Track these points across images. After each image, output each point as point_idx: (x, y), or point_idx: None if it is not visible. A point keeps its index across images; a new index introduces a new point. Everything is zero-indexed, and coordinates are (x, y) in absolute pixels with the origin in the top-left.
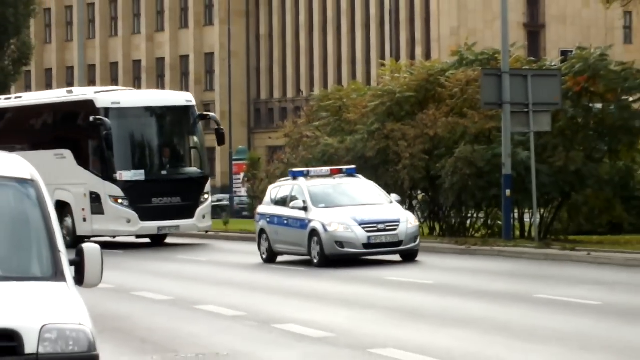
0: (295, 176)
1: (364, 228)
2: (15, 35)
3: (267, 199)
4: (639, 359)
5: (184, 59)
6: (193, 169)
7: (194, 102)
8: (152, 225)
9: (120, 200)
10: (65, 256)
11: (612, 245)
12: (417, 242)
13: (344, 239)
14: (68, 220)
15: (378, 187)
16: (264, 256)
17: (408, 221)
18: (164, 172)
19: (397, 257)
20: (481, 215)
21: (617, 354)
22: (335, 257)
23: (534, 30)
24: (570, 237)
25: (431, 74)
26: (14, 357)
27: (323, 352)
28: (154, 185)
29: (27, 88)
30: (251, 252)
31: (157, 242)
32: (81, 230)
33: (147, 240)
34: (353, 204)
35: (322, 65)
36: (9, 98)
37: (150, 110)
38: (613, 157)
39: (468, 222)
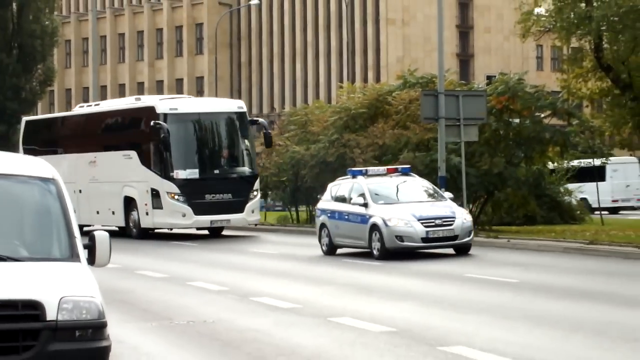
0: (354, 175)
1: (422, 223)
2: (41, 61)
3: (326, 195)
4: (550, 324)
5: (179, 81)
6: (244, 169)
7: (245, 109)
8: (205, 219)
9: (176, 197)
10: (79, 241)
11: (527, 234)
12: (471, 237)
13: (403, 234)
14: (134, 214)
15: (432, 184)
16: (325, 248)
17: (463, 217)
18: (216, 172)
19: (451, 251)
20: None
21: (533, 321)
22: (395, 250)
23: (465, 59)
24: (494, 227)
25: (380, 94)
26: (37, 323)
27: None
28: (207, 183)
29: (51, 105)
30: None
31: (214, 234)
32: (144, 222)
33: (206, 232)
34: (410, 201)
35: (291, 87)
36: (90, 105)
37: (205, 115)
38: (528, 162)
39: None
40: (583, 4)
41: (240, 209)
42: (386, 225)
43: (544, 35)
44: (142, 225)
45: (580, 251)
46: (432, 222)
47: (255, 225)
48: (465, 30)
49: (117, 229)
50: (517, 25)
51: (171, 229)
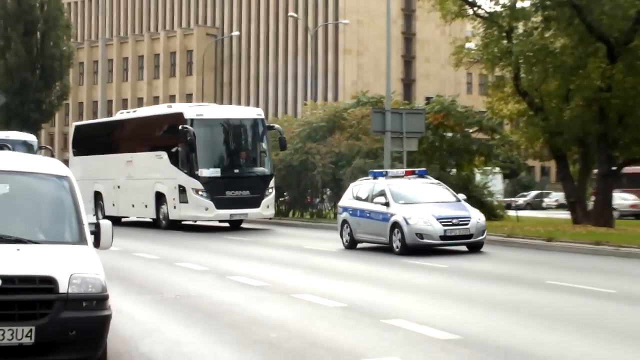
0: (375, 176)
1: (440, 222)
2: (59, 79)
3: (348, 194)
4: (475, 302)
5: (172, 97)
6: (260, 169)
7: (263, 116)
8: (226, 213)
9: (200, 192)
10: (87, 227)
11: None
12: (484, 236)
13: (423, 232)
14: (164, 207)
15: (446, 186)
16: (346, 243)
17: (477, 217)
18: (236, 171)
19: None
20: None
21: (464, 299)
22: (415, 247)
23: (408, 83)
24: None
25: (337, 111)
26: (51, 295)
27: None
28: (227, 181)
29: (66, 115)
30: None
31: (234, 226)
32: (172, 215)
33: (227, 225)
34: (428, 201)
35: (265, 104)
36: (128, 112)
37: (227, 121)
38: (458, 168)
39: None
40: (505, 41)
41: (257, 204)
42: (407, 223)
43: (473, 65)
44: (171, 218)
45: (501, 243)
46: (450, 222)
47: (270, 219)
48: (408, 60)
49: (150, 220)
50: (452, 57)
51: (195, 221)
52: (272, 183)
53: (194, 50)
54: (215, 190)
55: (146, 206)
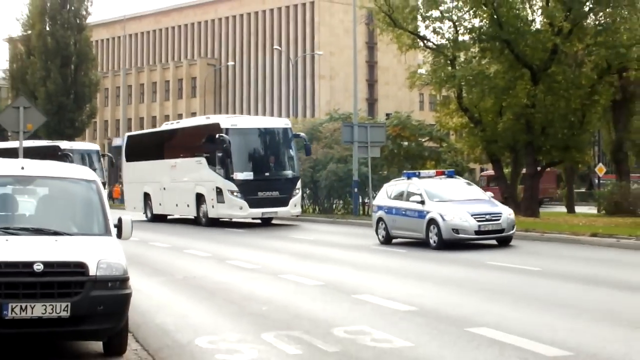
0: (409, 177)
1: (475, 218)
2: (88, 102)
3: (382, 194)
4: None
5: (180, 116)
6: (288, 172)
7: (290, 125)
8: (258, 211)
9: (235, 193)
10: (111, 222)
11: None
12: (514, 230)
13: (459, 227)
14: (203, 207)
15: (475, 185)
16: (382, 239)
17: (507, 213)
18: (267, 174)
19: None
20: (341, 202)
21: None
22: (451, 242)
23: (371, 102)
24: None
25: (314, 125)
26: (83, 277)
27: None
28: (259, 183)
29: (94, 131)
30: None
31: (265, 223)
32: (211, 213)
33: (259, 221)
34: (460, 199)
35: None
36: (172, 123)
37: (258, 130)
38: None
39: (334, 205)
40: (449, 67)
41: (285, 203)
42: (443, 220)
43: (424, 87)
44: (209, 216)
45: None
46: (484, 217)
47: (297, 216)
48: (371, 83)
49: (192, 218)
50: (407, 80)
51: (231, 219)
52: (298, 184)
53: (197, 77)
54: (248, 191)
55: (188, 205)
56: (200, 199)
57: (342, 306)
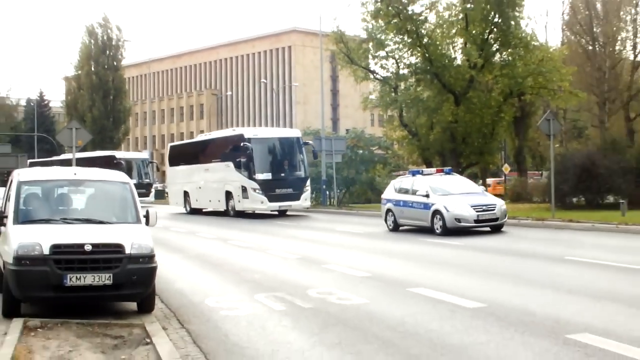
0: (413, 174)
1: (474, 209)
2: (123, 124)
3: (390, 189)
4: (366, 254)
5: (191, 134)
6: (299, 172)
7: (300, 135)
8: (275, 205)
9: (257, 191)
10: (141, 212)
11: (366, 207)
12: (505, 218)
13: (461, 217)
14: (232, 202)
15: (470, 180)
16: (390, 227)
17: (500, 204)
18: (282, 174)
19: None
20: (313, 195)
21: (368, 252)
22: (454, 229)
23: (335, 121)
24: (349, 205)
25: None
26: (121, 254)
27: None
28: (276, 182)
29: (128, 146)
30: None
31: (281, 214)
32: (237, 207)
33: (276, 213)
34: (459, 192)
35: None
36: (205, 135)
37: (275, 139)
38: (366, 172)
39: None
40: (393, 94)
41: (297, 198)
42: (447, 210)
43: (374, 108)
44: (237, 209)
45: None
46: (481, 208)
47: (307, 208)
48: (335, 107)
49: (222, 210)
50: (361, 104)
51: (254, 211)
52: (308, 182)
53: (204, 104)
54: (267, 189)
55: (219, 201)
56: (229, 195)
57: (315, 274)
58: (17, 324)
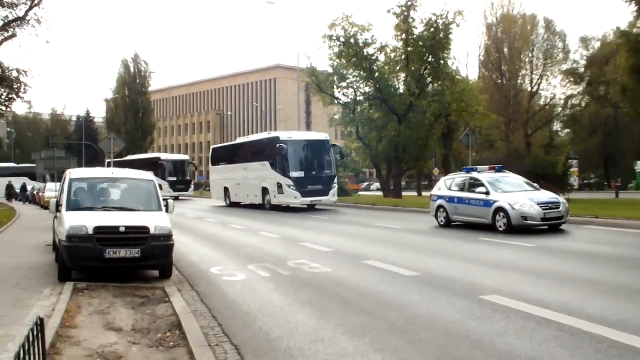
0: (467, 171)
1: (540, 206)
2: (149, 135)
3: (441, 185)
4: (373, 241)
5: (200, 144)
6: (328, 171)
7: (328, 138)
8: (307, 199)
9: (291, 187)
10: (162, 203)
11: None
12: (568, 216)
13: (527, 214)
14: (268, 197)
15: (521, 177)
16: (442, 222)
17: (564, 201)
18: (313, 173)
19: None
20: None
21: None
22: (519, 227)
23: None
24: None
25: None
26: (147, 234)
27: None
28: (308, 179)
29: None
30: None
31: (311, 208)
32: (273, 201)
33: (306, 206)
34: (517, 190)
35: None
36: (243, 138)
37: (307, 141)
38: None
39: None
40: (352, 115)
41: (326, 194)
42: (513, 208)
43: (338, 125)
44: (272, 203)
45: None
46: (547, 206)
47: (334, 202)
48: (308, 123)
49: (258, 204)
50: (328, 122)
51: (288, 205)
52: (335, 180)
53: (210, 121)
54: (300, 185)
55: (256, 196)
56: (265, 191)
57: (292, 249)
58: (68, 286)
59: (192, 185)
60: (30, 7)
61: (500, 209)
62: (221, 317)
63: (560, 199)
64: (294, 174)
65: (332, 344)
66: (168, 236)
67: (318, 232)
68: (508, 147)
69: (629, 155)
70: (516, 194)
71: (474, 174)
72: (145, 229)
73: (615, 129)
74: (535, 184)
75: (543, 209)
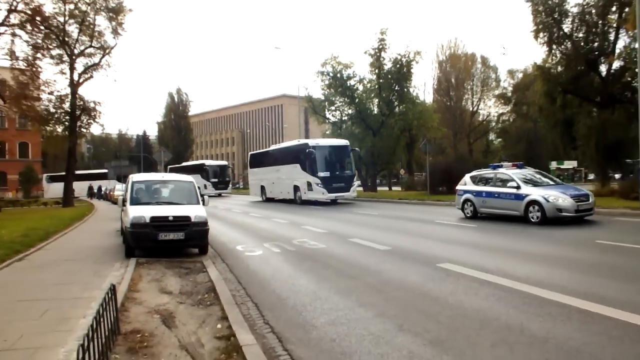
0: (494, 167)
1: (573, 199)
2: (189, 148)
3: (467, 181)
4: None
5: (224, 155)
6: (349, 171)
7: (348, 143)
8: (332, 195)
9: (319, 185)
10: (200, 198)
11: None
12: (594, 209)
13: (562, 207)
14: (299, 193)
15: (544, 172)
16: (469, 214)
17: (591, 195)
18: (337, 173)
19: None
20: None
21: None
22: (554, 219)
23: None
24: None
25: None
26: (189, 222)
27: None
28: (332, 178)
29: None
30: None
31: (333, 202)
32: (303, 197)
33: (329, 201)
34: (545, 184)
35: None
36: (277, 145)
37: (331, 146)
38: None
39: None
40: (339, 131)
41: (348, 190)
42: (547, 201)
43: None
44: (303, 198)
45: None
46: (579, 199)
47: (354, 198)
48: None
49: (290, 199)
50: (322, 137)
51: (316, 200)
52: (355, 179)
53: (234, 137)
54: (326, 183)
55: (288, 192)
56: (296, 188)
57: (296, 231)
58: (133, 261)
59: (230, 185)
60: (103, 56)
61: (533, 202)
62: (245, 283)
63: (589, 192)
64: (321, 174)
65: (327, 301)
66: (204, 223)
67: (315, 218)
68: (455, 153)
69: (546, 158)
70: (546, 187)
71: (501, 170)
72: (187, 218)
73: (535, 139)
74: (556, 179)
75: (576, 202)
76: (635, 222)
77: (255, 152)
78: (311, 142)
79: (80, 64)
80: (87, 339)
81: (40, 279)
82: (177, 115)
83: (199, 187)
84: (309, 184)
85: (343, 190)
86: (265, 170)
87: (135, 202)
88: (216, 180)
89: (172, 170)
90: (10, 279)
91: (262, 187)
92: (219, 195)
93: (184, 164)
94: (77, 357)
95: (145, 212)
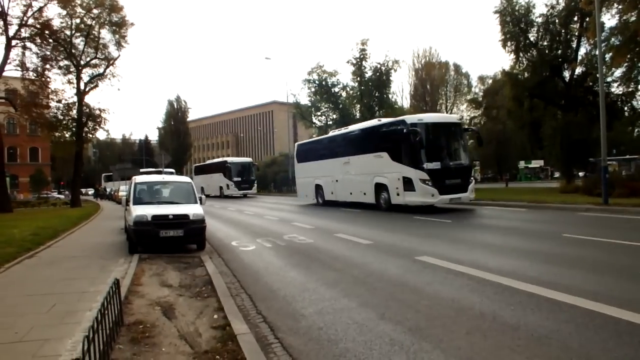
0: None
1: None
2: (187, 151)
3: None
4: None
5: (222, 157)
6: (465, 161)
7: (461, 120)
8: (446, 197)
9: (427, 182)
10: (198, 198)
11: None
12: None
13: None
14: (385, 194)
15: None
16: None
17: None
18: (451, 163)
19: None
20: (284, 188)
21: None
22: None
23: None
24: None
25: (274, 157)
26: (187, 220)
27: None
28: (445, 172)
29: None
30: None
31: (434, 208)
32: (394, 200)
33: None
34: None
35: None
36: (339, 130)
37: (442, 124)
38: None
39: (283, 189)
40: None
41: (465, 190)
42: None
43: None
44: (392, 202)
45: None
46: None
47: (470, 200)
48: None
49: (370, 203)
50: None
51: (421, 205)
52: (472, 172)
53: (229, 141)
54: (437, 180)
55: (364, 194)
56: (379, 188)
57: (286, 227)
58: (135, 257)
59: (255, 185)
60: (107, 67)
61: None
62: (239, 276)
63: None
64: (429, 165)
65: (315, 292)
66: (202, 221)
67: (307, 216)
68: None
69: (514, 158)
70: None
71: None
72: (186, 216)
73: (504, 140)
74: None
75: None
76: (600, 216)
77: (304, 142)
78: (411, 117)
79: (86, 74)
80: (92, 331)
81: (50, 275)
82: (176, 121)
83: (220, 187)
84: (408, 181)
85: (460, 189)
86: (323, 165)
87: (137, 202)
88: (239, 179)
89: (198, 169)
90: (21, 275)
91: (318, 187)
92: (244, 196)
93: (208, 162)
94: (83, 348)
95: (147, 211)
